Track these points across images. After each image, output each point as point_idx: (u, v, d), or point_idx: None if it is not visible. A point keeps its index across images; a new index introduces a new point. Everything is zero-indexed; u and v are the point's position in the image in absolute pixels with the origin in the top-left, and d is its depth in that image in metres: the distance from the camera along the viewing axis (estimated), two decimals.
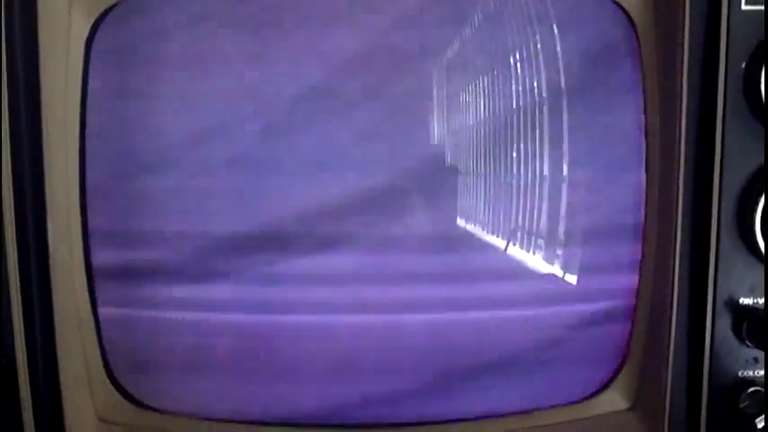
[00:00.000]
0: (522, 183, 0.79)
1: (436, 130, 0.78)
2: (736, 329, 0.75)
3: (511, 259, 0.81)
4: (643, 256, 0.78)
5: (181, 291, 0.79)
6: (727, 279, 0.75)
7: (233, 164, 0.78)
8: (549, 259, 0.81)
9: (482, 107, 0.78)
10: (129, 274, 0.78)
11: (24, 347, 0.72)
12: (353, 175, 0.78)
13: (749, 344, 0.75)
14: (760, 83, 0.71)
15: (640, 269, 0.79)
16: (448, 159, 0.79)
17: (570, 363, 0.82)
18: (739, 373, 0.76)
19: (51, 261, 0.72)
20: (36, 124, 0.70)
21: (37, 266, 0.72)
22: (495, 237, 0.80)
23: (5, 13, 0.69)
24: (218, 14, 0.76)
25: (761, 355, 0.76)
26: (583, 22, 0.78)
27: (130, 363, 0.79)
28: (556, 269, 0.81)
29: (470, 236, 0.79)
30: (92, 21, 0.72)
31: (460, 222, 0.79)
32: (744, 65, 0.72)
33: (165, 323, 0.79)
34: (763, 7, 0.71)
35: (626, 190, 0.79)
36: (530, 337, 0.82)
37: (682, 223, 0.74)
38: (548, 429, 0.81)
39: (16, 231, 0.71)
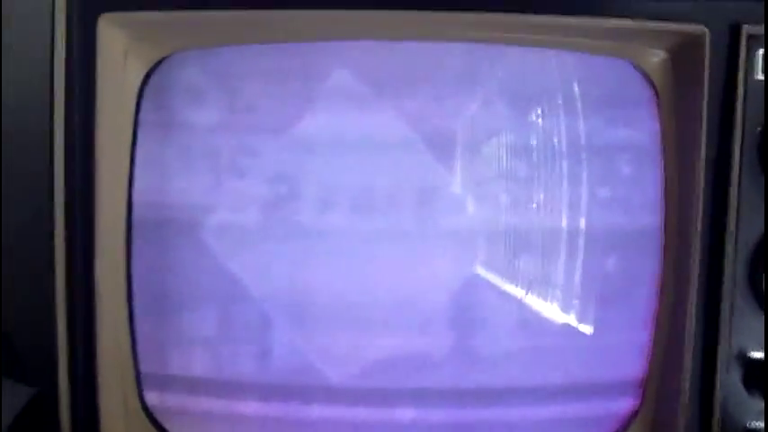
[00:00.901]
0: (541, 234, 0.81)
1: (460, 181, 0.80)
2: (746, 382, 0.78)
3: (527, 308, 0.82)
4: (659, 309, 0.80)
5: (214, 323, 0.81)
6: (738, 334, 0.77)
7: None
8: (566, 310, 0.82)
9: (504, 160, 0.80)
10: (166, 310, 0.80)
11: (67, 378, 0.74)
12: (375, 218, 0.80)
13: (757, 396, 0.77)
14: None
15: (655, 322, 0.80)
16: (470, 209, 0.80)
17: (583, 413, 0.83)
18: (747, 425, 0.78)
19: (97, 297, 0.75)
20: (89, 163, 0.74)
21: (83, 301, 0.75)
22: (513, 285, 0.81)
23: (66, 60, 0.72)
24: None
25: None
26: (604, 82, 0.80)
27: (165, 398, 0.81)
28: (571, 319, 0.82)
29: (489, 283, 0.80)
30: (145, 71, 0.75)
31: (480, 271, 0.80)
32: (759, 130, 0.76)
33: (201, 362, 0.81)
34: None
35: (642, 244, 0.81)
36: (545, 387, 0.82)
37: (696, 279, 0.76)
38: None
39: (66, 268, 0.74)
